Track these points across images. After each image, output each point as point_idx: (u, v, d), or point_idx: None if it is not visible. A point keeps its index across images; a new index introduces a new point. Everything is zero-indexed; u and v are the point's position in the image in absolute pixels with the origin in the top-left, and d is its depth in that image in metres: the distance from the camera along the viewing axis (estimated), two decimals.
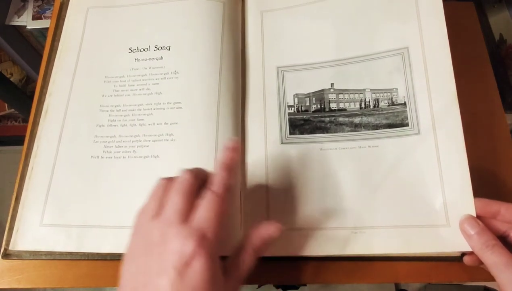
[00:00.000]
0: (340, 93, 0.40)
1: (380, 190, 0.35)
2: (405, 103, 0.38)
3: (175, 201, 0.27)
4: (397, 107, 0.38)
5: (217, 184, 0.28)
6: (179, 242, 0.25)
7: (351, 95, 0.40)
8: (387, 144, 0.37)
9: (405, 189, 0.35)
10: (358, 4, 0.42)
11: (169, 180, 0.29)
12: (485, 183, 0.39)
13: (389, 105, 0.38)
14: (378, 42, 0.40)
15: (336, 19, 0.42)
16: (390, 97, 0.38)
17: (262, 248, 0.30)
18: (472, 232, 0.32)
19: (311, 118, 0.40)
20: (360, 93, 0.39)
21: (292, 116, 0.40)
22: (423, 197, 0.34)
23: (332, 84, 0.40)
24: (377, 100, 0.39)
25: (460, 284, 0.87)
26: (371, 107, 0.39)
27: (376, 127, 0.38)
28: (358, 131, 0.38)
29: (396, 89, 0.38)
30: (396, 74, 0.38)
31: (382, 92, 0.39)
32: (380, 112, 0.38)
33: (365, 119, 0.38)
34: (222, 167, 0.29)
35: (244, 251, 0.29)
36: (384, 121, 0.38)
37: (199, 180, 0.29)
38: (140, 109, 0.39)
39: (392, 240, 0.34)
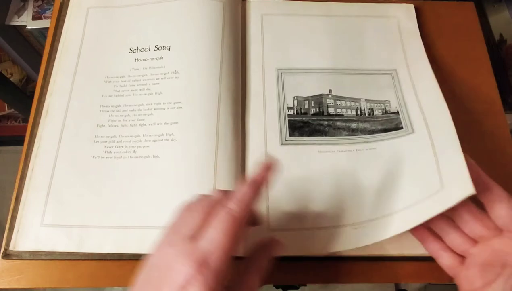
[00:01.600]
0: (337, 100, 0.41)
1: (379, 188, 0.36)
2: (397, 112, 0.40)
3: (189, 218, 0.24)
4: (391, 115, 0.40)
5: (236, 201, 0.24)
6: (178, 261, 0.22)
7: (348, 103, 0.41)
8: (384, 145, 0.38)
9: (404, 184, 0.35)
10: (350, 27, 0.45)
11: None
12: None
13: (383, 114, 0.40)
14: (370, 62, 0.43)
15: (332, 34, 0.44)
16: (384, 107, 0.40)
17: (266, 267, 0.27)
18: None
19: (310, 121, 0.40)
20: (356, 102, 0.41)
21: (292, 118, 0.40)
22: (422, 189, 0.34)
23: (330, 90, 0.41)
24: (371, 109, 0.41)
25: None
26: (366, 115, 0.40)
27: (372, 132, 0.39)
28: (355, 135, 0.39)
29: (389, 101, 0.41)
30: (388, 90, 0.41)
31: (376, 103, 0.41)
32: (375, 119, 0.40)
33: (361, 125, 0.40)
34: (249, 183, 0.25)
35: (249, 274, 0.26)
36: (380, 127, 0.39)
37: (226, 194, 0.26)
38: (141, 110, 0.39)
39: (391, 228, 0.33)
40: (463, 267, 0.30)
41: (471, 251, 0.30)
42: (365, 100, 0.41)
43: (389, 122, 0.39)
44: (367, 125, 0.39)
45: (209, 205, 0.25)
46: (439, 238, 0.32)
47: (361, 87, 0.41)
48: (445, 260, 0.32)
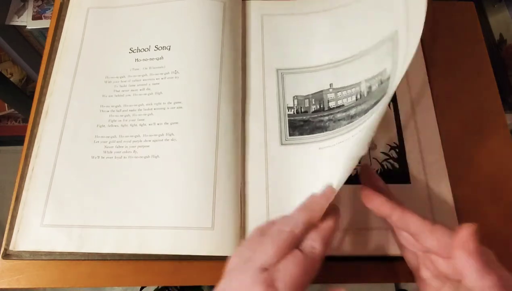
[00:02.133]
0: (338, 91, 0.40)
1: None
2: (389, 77, 0.35)
3: (262, 249, 0.27)
4: (384, 84, 0.36)
5: (319, 240, 0.27)
6: (254, 287, 0.24)
7: (349, 91, 0.40)
8: (369, 121, 0.34)
9: None
10: (350, 13, 0.42)
11: (269, 226, 0.29)
12: (484, 183, 0.39)
13: (379, 86, 0.37)
14: (371, 38, 0.39)
15: (331, 28, 0.43)
16: (380, 78, 0.37)
17: None
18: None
19: (311, 119, 0.40)
20: (356, 87, 0.39)
21: (292, 118, 0.40)
22: None
23: (331, 85, 0.40)
24: (370, 87, 0.38)
25: None
26: (365, 95, 0.38)
27: (367, 111, 0.37)
28: (353, 121, 0.38)
29: (385, 68, 0.37)
30: (387, 57, 0.38)
31: (374, 78, 0.38)
32: (371, 96, 0.37)
33: (359, 108, 0.38)
34: (334, 215, 0.29)
35: None
36: (373, 102, 0.36)
37: (304, 229, 0.28)
38: (141, 110, 0.39)
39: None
40: (419, 265, 0.29)
41: (419, 253, 0.29)
42: (365, 80, 0.39)
43: (379, 92, 0.36)
44: (364, 106, 0.37)
45: (282, 239, 0.27)
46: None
47: (362, 70, 0.39)
48: (406, 254, 0.31)
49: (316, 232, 0.28)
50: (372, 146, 0.38)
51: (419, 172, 0.37)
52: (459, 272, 0.24)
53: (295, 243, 0.27)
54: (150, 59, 0.42)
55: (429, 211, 0.35)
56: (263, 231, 0.29)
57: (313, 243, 0.27)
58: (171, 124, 0.38)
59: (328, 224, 0.28)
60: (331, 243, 0.28)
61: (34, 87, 0.48)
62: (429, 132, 0.38)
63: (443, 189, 0.36)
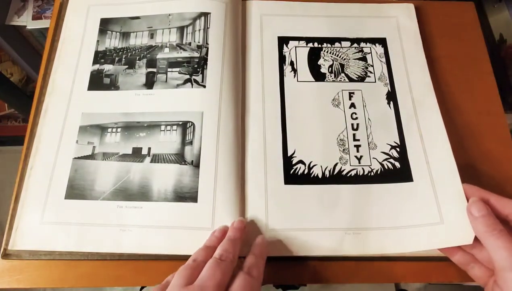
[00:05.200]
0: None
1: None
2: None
3: (213, 272, 0.28)
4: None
5: (256, 270, 0.30)
6: None
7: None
8: None
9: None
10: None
11: (206, 252, 0.31)
12: (484, 183, 0.39)
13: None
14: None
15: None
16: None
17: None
18: (477, 214, 0.31)
19: None
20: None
21: None
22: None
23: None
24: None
25: (460, 284, 0.87)
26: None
27: None
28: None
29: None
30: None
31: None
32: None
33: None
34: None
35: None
36: None
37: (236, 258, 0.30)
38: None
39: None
40: (493, 278, 0.30)
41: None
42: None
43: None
44: None
45: (227, 264, 0.29)
46: (467, 251, 0.33)
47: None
48: (476, 272, 0.32)
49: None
50: (372, 146, 0.38)
51: (423, 170, 0.37)
52: None
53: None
54: None
55: (436, 206, 0.35)
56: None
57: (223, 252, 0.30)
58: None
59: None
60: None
61: (34, 87, 0.48)
62: (434, 130, 0.38)
63: (453, 184, 0.36)
